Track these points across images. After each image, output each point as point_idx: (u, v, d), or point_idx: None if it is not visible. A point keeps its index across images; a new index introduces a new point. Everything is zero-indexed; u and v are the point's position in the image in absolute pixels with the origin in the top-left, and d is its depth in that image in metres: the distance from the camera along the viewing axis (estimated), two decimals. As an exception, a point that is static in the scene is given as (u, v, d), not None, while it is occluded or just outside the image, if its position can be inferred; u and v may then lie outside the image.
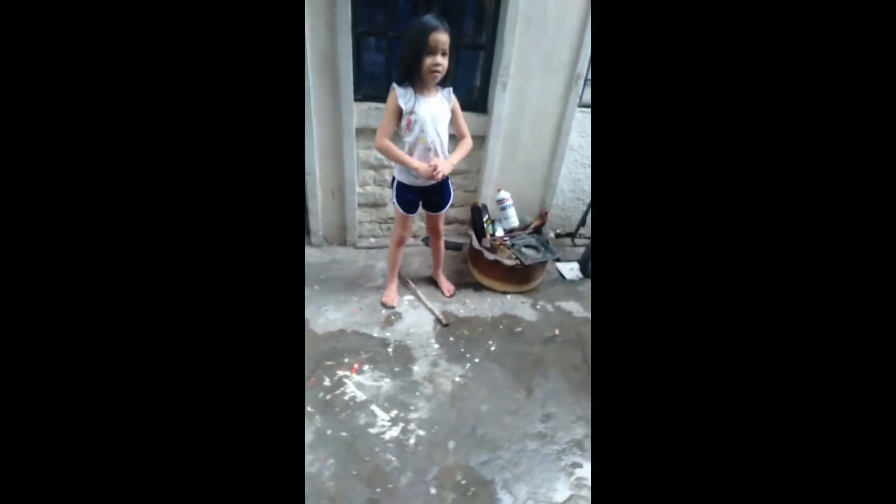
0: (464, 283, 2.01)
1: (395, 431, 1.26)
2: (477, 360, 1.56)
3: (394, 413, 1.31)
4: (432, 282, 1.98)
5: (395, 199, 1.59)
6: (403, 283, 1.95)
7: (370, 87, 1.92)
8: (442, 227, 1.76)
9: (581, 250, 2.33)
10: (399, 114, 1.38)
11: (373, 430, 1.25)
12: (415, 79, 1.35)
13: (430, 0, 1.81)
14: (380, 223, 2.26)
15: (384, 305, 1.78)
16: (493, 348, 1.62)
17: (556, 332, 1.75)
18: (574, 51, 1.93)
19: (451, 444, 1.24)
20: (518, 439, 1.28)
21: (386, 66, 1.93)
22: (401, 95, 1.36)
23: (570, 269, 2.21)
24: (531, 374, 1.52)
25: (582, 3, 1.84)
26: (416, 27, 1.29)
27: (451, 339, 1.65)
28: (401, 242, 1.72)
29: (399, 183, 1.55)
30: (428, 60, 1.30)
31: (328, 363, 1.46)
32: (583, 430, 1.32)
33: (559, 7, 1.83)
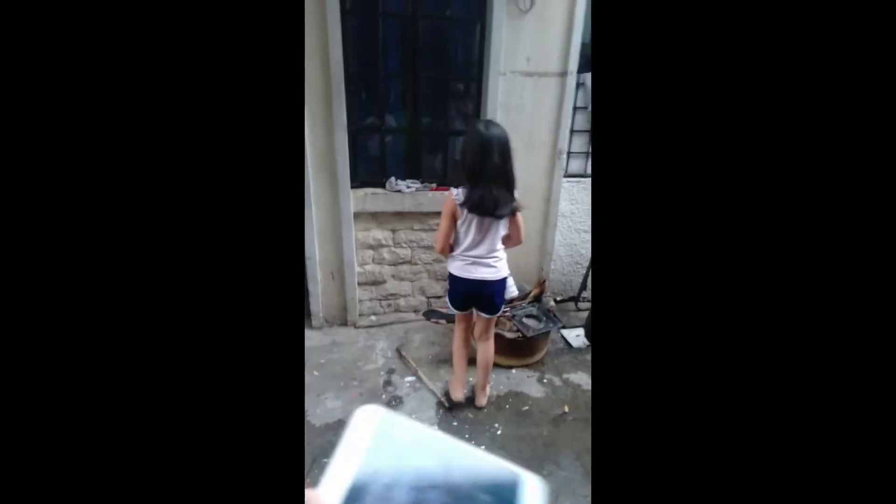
0: (467, 358, 1.95)
1: (394, 542, 1.14)
2: (483, 447, 1.46)
3: (394, 518, 1.20)
4: (435, 361, 1.93)
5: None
6: (405, 362, 1.90)
7: (367, 174, 2.06)
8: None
9: (585, 315, 2.29)
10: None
11: (371, 542, 1.14)
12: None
13: (416, 96, 2.00)
14: (380, 300, 2.27)
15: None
16: (499, 432, 1.53)
17: (566, 409, 1.65)
18: (553, 131, 2.08)
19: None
20: (531, 544, 1.14)
21: (380, 155, 2.09)
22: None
23: (577, 336, 2.15)
24: (541, 461, 1.41)
25: (556, 90, 2.01)
26: (482, 133, 1.27)
27: (455, 423, 1.57)
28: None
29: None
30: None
31: (325, 461, 1.38)
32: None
33: (535, 94, 2.00)
